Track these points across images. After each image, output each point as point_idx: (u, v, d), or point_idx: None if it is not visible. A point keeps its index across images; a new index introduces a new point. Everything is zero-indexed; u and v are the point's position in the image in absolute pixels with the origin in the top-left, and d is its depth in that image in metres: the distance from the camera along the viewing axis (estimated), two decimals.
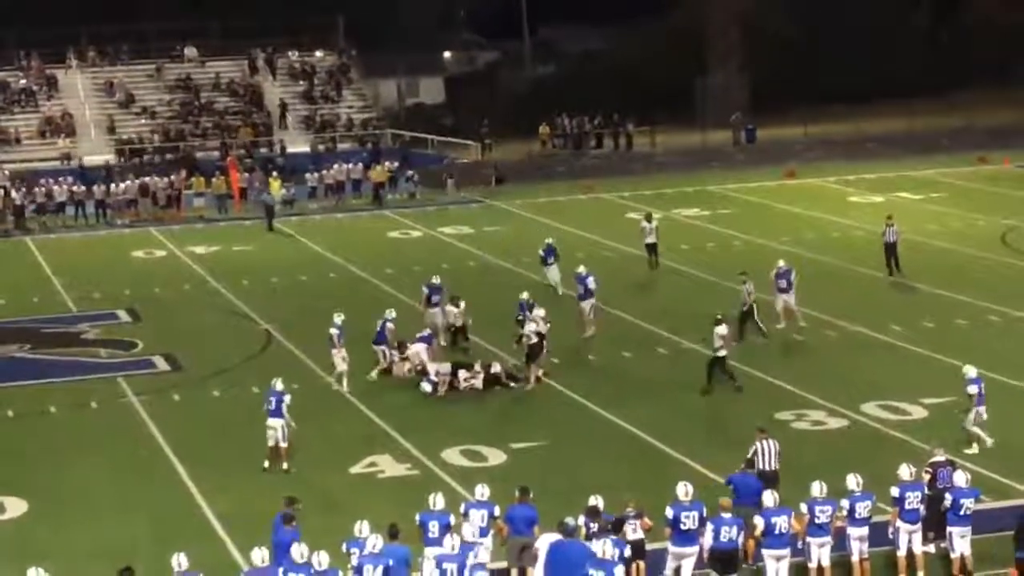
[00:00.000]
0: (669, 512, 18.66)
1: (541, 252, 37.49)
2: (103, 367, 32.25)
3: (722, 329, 28.17)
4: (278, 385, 24.93)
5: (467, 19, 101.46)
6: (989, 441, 24.38)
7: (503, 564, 19.05)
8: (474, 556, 17.79)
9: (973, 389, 24.34)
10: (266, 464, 24.54)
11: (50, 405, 29.31)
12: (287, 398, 24.73)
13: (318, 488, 23.22)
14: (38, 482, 24.52)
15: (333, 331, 28.99)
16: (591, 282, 32.85)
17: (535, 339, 29.00)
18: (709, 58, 79.09)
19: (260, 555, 17.19)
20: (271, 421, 24.55)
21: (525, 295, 31.97)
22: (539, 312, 30.03)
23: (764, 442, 21.56)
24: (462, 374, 29.34)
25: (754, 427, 23.59)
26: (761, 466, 21.49)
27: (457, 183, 57.17)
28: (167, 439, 26.70)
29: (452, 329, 32.14)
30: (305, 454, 25.31)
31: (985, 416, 24.45)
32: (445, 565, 17.40)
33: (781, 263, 33.21)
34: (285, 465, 24.45)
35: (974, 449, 24.24)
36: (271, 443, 24.55)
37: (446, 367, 29.61)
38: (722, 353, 28.16)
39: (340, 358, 29.05)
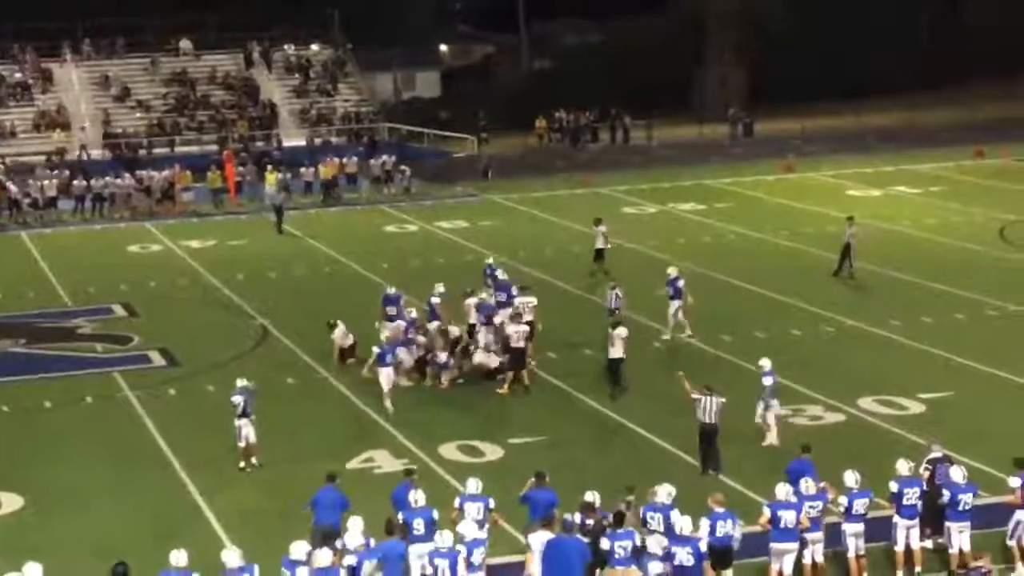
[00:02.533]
0: (640, 511, 18.66)
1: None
2: (98, 362, 32.13)
3: (622, 331, 27.91)
4: (242, 383, 24.87)
5: (463, 12, 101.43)
6: (774, 438, 24.30)
7: (500, 560, 18.97)
8: (481, 553, 17.66)
9: (768, 381, 24.40)
10: (253, 460, 24.57)
11: (45, 400, 29.22)
12: (237, 399, 24.57)
13: (313, 483, 23.09)
14: (33, 478, 24.44)
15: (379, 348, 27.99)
16: (514, 290, 31.87)
17: (520, 342, 28.58)
18: (707, 52, 79.12)
19: (231, 555, 16.97)
20: (244, 420, 24.53)
21: (484, 295, 31.46)
22: (514, 327, 28.82)
23: (708, 397, 22.94)
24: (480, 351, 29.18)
25: (752, 424, 23.61)
26: (702, 418, 22.92)
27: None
28: (163, 434, 26.64)
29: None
30: (301, 449, 25.31)
31: (779, 410, 24.57)
32: (436, 561, 17.34)
33: (671, 271, 32.33)
34: (242, 464, 24.47)
35: (768, 440, 24.32)
36: (253, 440, 24.55)
37: (456, 331, 29.59)
38: (618, 355, 27.82)
39: (385, 377, 27.57)
